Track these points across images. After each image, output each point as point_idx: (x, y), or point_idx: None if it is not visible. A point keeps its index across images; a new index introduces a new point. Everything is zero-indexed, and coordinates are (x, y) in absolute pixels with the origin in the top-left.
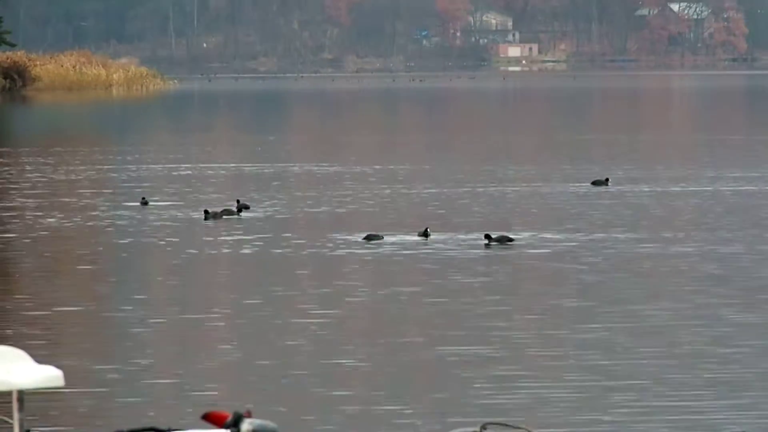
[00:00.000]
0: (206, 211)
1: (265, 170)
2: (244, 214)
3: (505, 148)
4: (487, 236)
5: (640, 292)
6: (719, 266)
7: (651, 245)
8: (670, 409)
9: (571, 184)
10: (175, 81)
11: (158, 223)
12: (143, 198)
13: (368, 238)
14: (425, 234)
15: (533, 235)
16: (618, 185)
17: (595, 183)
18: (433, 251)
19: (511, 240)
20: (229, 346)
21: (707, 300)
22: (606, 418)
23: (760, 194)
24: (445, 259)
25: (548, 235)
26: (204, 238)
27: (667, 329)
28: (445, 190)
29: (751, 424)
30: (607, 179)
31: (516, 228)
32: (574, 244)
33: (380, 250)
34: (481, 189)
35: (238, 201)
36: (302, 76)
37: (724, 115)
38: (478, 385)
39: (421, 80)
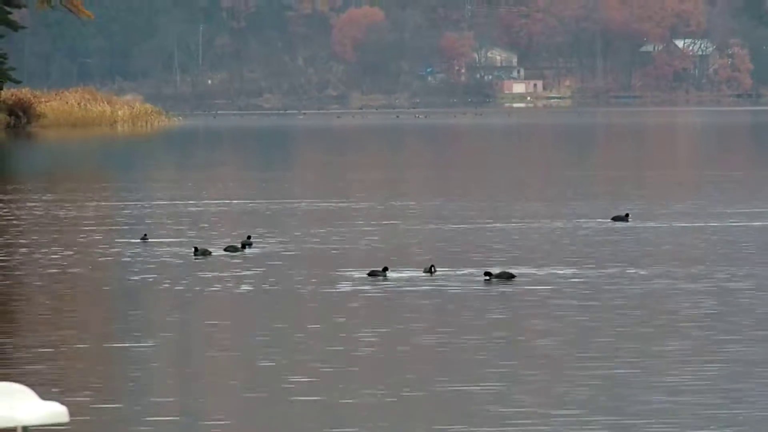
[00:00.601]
0: (195, 248)
1: (270, 206)
2: (249, 250)
3: (511, 184)
4: (487, 273)
5: (646, 329)
6: (731, 301)
7: (661, 281)
8: None
9: (588, 220)
10: (180, 118)
11: (161, 260)
12: (144, 234)
13: (371, 274)
14: (430, 270)
15: (546, 271)
16: (634, 221)
17: (615, 219)
18: (438, 287)
19: (512, 276)
20: (234, 385)
21: (716, 336)
22: None
23: None
24: (449, 295)
25: (561, 271)
26: (207, 275)
27: (674, 366)
28: (452, 226)
29: None
30: (627, 215)
31: (527, 264)
32: (585, 280)
33: (384, 286)
34: (489, 225)
35: (249, 237)
36: (304, 113)
37: (730, 151)
38: (483, 423)
39: (425, 116)
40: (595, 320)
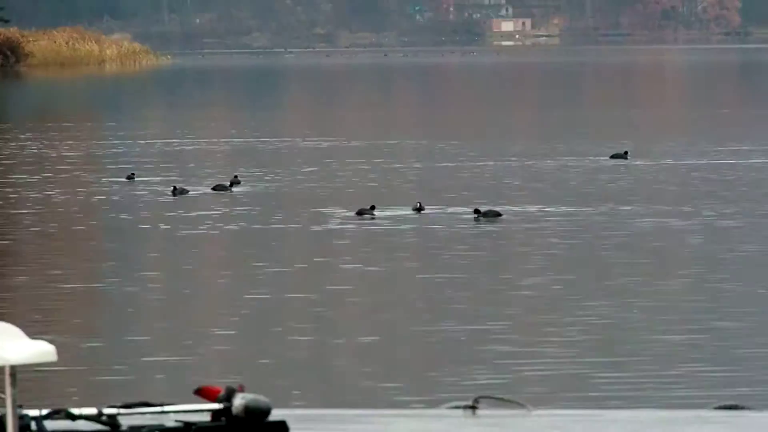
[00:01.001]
0: (174, 188)
1: (259, 145)
2: (236, 189)
3: (503, 122)
4: (476, 211)
5: (634, 266)
6: (723, 240)
7: (655, 219)
8: (667, 383)
9: (584, 158)
10: (168, 57)
11: (147, 199)
12: (131, 173)
13: (360, 213)
14: (419, 209)
15: (537, 209)
16: (633, 159)
17: (614, 156)
18: (426, 226)
19: (499, 215)
20: (221, 322)
21: (707, 274)
22: (600, 393)
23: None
24: (437, 234)
25: (553, 209)
26: (194, 214)
27: (661, 304)
28: (441, 165)
29: (747, 397)
30: (626, 152)
31: (518, 202)
32: (577, 217)
33: (372, 224)
34: (481, 163)
35: (236, 176)
36: (290, 52)
37: (719, 90)
38: (471, 361)
39: (413, 55)
40: (584, 258)
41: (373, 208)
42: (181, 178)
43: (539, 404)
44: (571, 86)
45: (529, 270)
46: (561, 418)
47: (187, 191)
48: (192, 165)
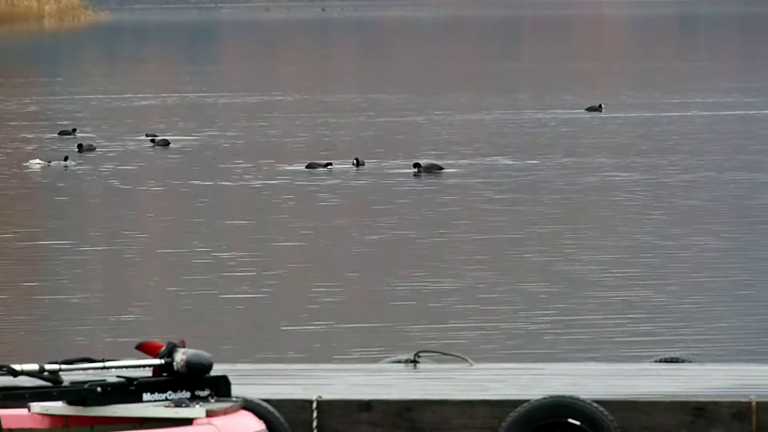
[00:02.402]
0: (80, 145)
1: (196, 100)
2: (172, 145)
3: (442, 76)
4: (416, 165)
5: (577, 220)
6: (667, 192)
7: (601, 173)
8: (608, 337)
9: (558, 111)
10: (106, 12)
11: (88, 155)
12: (73, 129)
13: (310, 166)
14: (358, 163)
15: (479, 163)
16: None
17: (589, 109)
18: (366, 180)
19: (440, 168)
20: (162, 279)
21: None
22: (542, 347)
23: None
24: (378, 188)
25: (506, 162)
26: (134, 169)
27: (603, 258)
28: (385, 119)
29: (688, 351)
30: (600, 105)
31: (463, 157)
32: (534, 172)
33: (310, 181)
34: (421, 117)
35: (151, 135)
36: (225, 7)
37: (663, 43)
38: (412, 317)
39: (344, 10)
40: (527, 212)
41: (329, 165)
42: (121, 133)
43: (480, 359)
44: (511, 40)
45: (470, 225)
46: (502, 372)
47: (94, 147)
48: (130, 120)
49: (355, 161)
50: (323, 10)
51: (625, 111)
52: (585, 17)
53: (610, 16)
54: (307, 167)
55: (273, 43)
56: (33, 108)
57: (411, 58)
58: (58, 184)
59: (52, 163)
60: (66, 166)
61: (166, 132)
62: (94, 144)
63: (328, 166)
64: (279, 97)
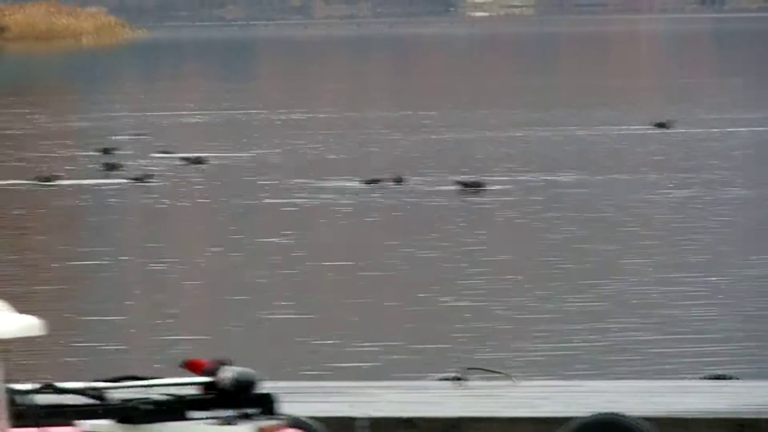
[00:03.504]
0: (111, 164)
1: (235, 117)
2: (212, 162)
3: (480, 92)
4: (459, 182)
5: (622, 238)
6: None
7: (643, 191)
8: (651, 354)
9: (624, 127)
10: (144, 30)
11: (128, 172)
12: (105, 148)
13: (372, 182)
14: (399, 180)
15: (522, 179)
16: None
17: (656, 125)
18: (408, 197)
19: (482, 185)
20: (209, 297)
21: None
22: (584, 364)
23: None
24: (420, 205)
25: (560, 179)
26: (175, 187)
27: (646, 278)
28: (428, 136)
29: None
30: (666, 122)
31: (503, 173)
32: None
33: (351, 197)
34: (461, 134)
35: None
36: (256, 24)
37: (701, 58)
38: (458, 334)
39: (389, 26)
40: (571, 229)
41: (388, 179)
42: (160, 150)
43: (524, 375)
44: (549, 56)
45: (514, 242)
46: (545, 389)
47: (121, 165)
48: (166, 137)
49: (397, 176)
50: (358, 26)
51: (691, 126)
52: (621, 33)
53: (646, 32)
54: (367, 182)
55: (310, 59)
56: (71, 125)
57: (450, 74)
58: (97, 203)
59: (91, 182)
60: (104, 185)
61: (203, 149)
62: (127, 162)
63: (379, 182)
64: (317, 114)
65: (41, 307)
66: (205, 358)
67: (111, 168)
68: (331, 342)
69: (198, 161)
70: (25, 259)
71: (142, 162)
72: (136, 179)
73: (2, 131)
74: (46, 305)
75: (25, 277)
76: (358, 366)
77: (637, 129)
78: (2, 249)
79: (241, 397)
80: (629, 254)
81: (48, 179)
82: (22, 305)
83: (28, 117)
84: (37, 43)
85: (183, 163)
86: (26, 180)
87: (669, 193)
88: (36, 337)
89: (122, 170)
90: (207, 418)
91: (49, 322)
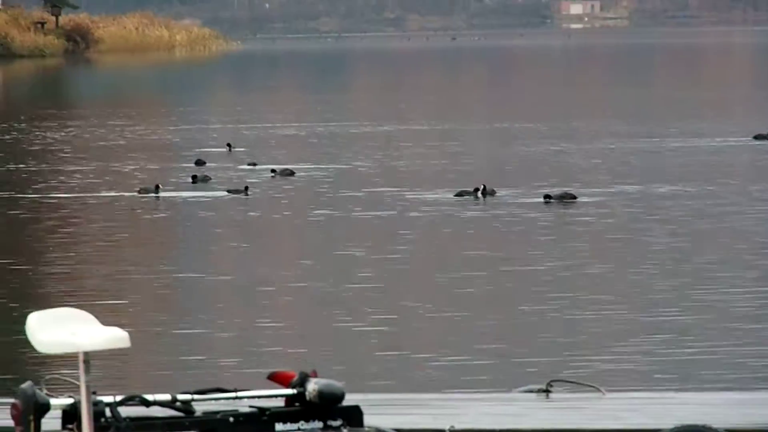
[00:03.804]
0: (194, 177)
1: (328, 129)
2: (302, 174)
3: (576, 103)
4: (547, 195)
5: (712, 249)
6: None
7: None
8: (743, 364)
9: (721, 139)
10: (238, 42)
11: (218, 184)
12: (198, 160)
13: (459, 195)
14: (485, 192)
15: (613, 192)
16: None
17: (757, 137)
18: (496, 210)
19: (573, 197)
20: (294, 308)
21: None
22: (674, 375)
23: None
24: (507, 217)
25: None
26: (265, 199)
27: (736, 289)
28: (520, 148)
29: None
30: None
31: (594, 185)
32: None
33: (440, 209)
34: (561, 146)
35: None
36: (348, 36)
37: None
38: (544, 345)
39: (484, 38)
40: (660, 242)
41: (477, 190)
42: (248, 165)
43: (612, 386)
44: (646, 67)
45: (601, 254)
46: (633, 401)
47: (209, 178)
48: (260, 149)
49: (481, 189)
50: (453, 39)
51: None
52: (715, 45)
53: (740, 44)
54: (456, 195)
55: (404, 71)
56: (165, 137)
57: (544, 85)
58: (187, 215)
59: (182, 194)
60: (195, 197)
61: (294, 161)
62: (219, 174)
63: (472, 194)
64: (409, 126)
65: (128, 319)
66: (291, 370)
67: (202, 180)
68: (416, 354)
69: (288, 173)
70: (115, 272)
71: (233, 174)
72: (229, 191)
73: (98, 143)
74: (133, 317)
75: (113, 290)
76: (442, 378)
77: (735, 141)
78: (93, 262)
79: (327, 410)
80: (723, 266)
81: (143, 191)
82: (109, 317)
83: (123, 129)
84: (131, 55)
85: (273, 175)
86: (120, 192)
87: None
88: (122, 349)
89: (214, 182)
90: (293, 431)
91: (136, 334)
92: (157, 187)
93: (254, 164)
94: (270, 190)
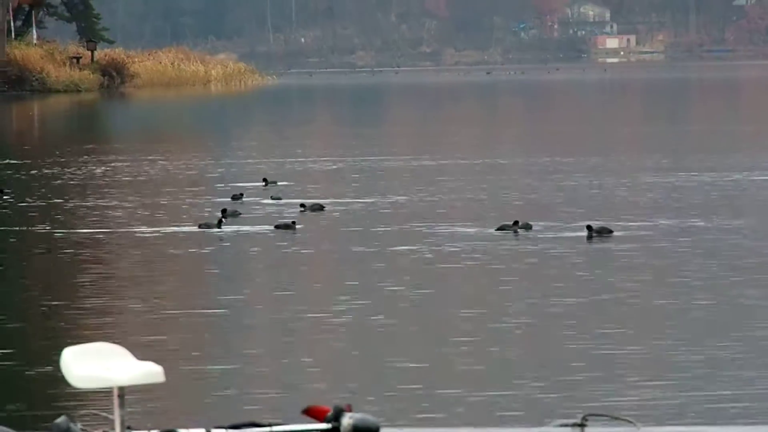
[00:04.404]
0: (224, 210)
1: (365, 163)
2: (340, 208)
3: (614, 137)
4: (588, 227)
5: (753, 286)
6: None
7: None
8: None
9: (711, 173)
10: (273, 76)
11: (252, 220)
12: (241, 193)
13: (501, 228)
14: (521, 226)
15: (651, 225)
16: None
17: None
18: (535, 244)
19: (611, 231)
20: (328, 341)
21: None
22: (710, 409)
23: None
24: (547, 252)
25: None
26: (302, 234)
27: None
28: (560, 182)
29: None
30: None
31: (634, 219)
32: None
33: (475, 245)
34: (601, 180)
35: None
36: (398, 71)
37: None
38: (579, 379)
39: (522, 72)
40: (699, 277)
41: (516, 223)
42: (287, 198)
43: (647, 421)
44: (683, 101)
45: (640, 288)
46: None
47: (239, 213)
48: (298, 183)
49: (517, 224)
50: (488, 73)
51: None
52: (752, 79)
53: None
54: (496, 229)
55: (441, 105)
56: (200, 172)
57: (582, 119)
58: (214, 249)
59: (209, 229)
60: (221, 234)
61: (331, 195)
62: (253, 208)
63: (511, 227)
64: (446, 160)
65: (163, 353)
66: (325, 404)
67: (232, 215)
68: (451, 389)
69: (322, 207)
70: (151, 306)
71: (270, 210)
72: (277, 227)
73: (136, 177)
74: (168, 352)
75: (148, 324)
76: (476, 413)
77: None
78: (129, 296)
79: None
80: (760, 300)
81: (204, 226)
82: (144, 352)
83: (161, 163)
84: (166, 90)
85: (309, 209)
86: (158, 227)
87: None
88: (157, 384)
89: (248, 216)
90: None
91: (170, 369)
92: (220, 221)
93: (279, 198)
94: (306, 224)
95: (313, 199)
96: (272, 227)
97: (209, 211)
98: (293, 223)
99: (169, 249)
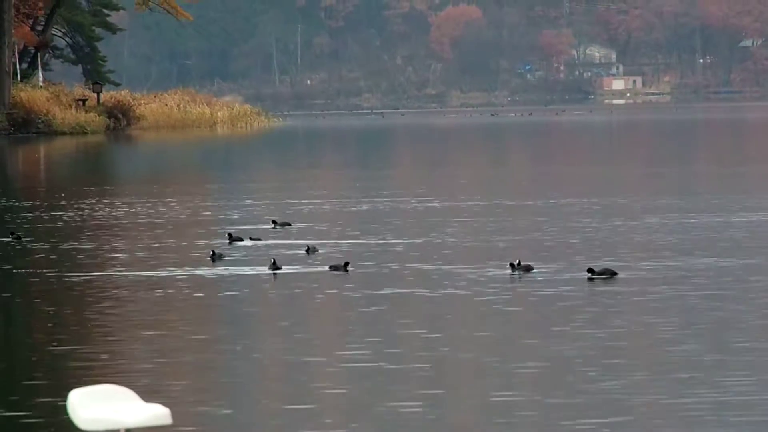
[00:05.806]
0: (230, 235)
1: (372, 205)
2: (344, 249)
3: (620, 179)
4: (590, 270)
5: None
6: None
7: None
8: None
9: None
10: (279, 118)
11: (258, 263)
12: (251, 236)
13: (512, 266)
14: (521, 267)
15: (654, 266)
16: None
17: None
18: (535, 286)
19: (614, 273)
20: (340, 386)
21: None
22: None
23: None
24: (547, 294)
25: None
26: (308, 276)
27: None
28: (563, 224)
29: None
30: None
31: (635, 260)
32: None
33: (475, 288)
34: (604, 223)
35: (274, 222)
36: (403, 113)
37: None
38: (590, 425)
39: (529, 114)
40: (706, 318)
41: (518, 264)
42: (292, 240)
43: None
44: (689, 143)
45: (644, 331)
46: None
47: (223, 255)
48: (302, 225)
49: (518, 263)
50: (493, 115)
51: None
52: (758, 120)
53: None
54: (501, 270)
55: (447, 147)
56: (206, 213)
57: (588, 161)
58: (231, 289)
59: (216, 271)
60: (234, 274)
61: (338, 237)
62: (262, 250)
63: (510, 271)
64: (453, 202)
65: (170, 396)
66: None
67: (218, 258)
68: (466, 430)
69: (331, 248)
70: (153, 347)
71: (274, 252)
72: (332, 268)
73: (144, 219)
74: (176, 394)
75: (156, 368)
76: None
77: None
78: (130, 336)
79: None
80: (766, 342)
81: (183, 267)
82: (150, 395)
83: (169, 205)
84: (172, 132)
85: (315, 250)
86: (166, 269)
87: None
88: (164, 426)
89: (255, 260)
90: None
91: (177, 411)
92: (274, 262)
93: (258, 239)
94: (312, 266)
95: (325, 240)
96: (266, 269)
97: (223, 253)
98: (346, 264)
99: (174, 291)
